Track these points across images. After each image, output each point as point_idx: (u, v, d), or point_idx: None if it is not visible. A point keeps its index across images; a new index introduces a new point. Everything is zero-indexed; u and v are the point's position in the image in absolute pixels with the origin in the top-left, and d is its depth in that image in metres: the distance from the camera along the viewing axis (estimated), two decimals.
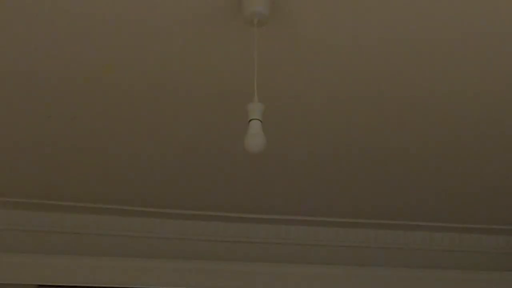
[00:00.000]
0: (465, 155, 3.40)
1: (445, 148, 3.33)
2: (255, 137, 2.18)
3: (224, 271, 4.09)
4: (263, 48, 2.52)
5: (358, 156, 3.40)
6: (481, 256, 4.41)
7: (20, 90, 2.83)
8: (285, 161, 3.43)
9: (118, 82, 2.78)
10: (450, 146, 3.32)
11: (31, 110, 2.97)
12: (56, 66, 2.68)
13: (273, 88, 2.82)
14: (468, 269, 4.35)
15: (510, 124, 3.13)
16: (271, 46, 2.56)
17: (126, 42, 2.54)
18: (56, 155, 3.33)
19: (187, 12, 2.39)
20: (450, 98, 2.92)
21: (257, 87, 2.29)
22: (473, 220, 4.20)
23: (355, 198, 3.86)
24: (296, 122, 3.10)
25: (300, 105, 2.97)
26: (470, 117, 3.07)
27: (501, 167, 3.52)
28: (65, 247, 3.98)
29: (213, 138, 3.22)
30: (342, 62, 2.67)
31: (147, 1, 2.34)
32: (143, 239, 4.09)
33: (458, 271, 4.31)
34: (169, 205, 3.93)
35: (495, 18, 2.43)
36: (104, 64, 2.67)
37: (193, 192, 3.77)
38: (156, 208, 3.95)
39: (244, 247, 4.18)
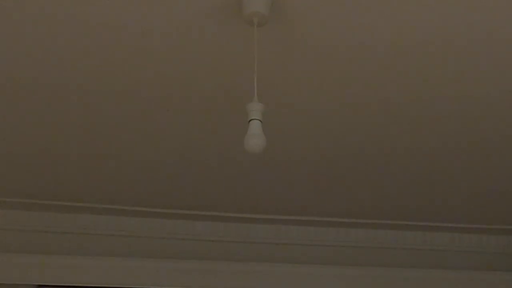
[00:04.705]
0: (465, 155, 3.40)
1: (445, 148, 3.33)
2: (255, 137, 2.18)
3: (224, 271, 4.09)
4: (263, 48, 2.52)
5: (358, 156, 3.40)
6: (481, 256, 4.41)
7: (20, 92, 2.83)
8: (285, 161, 3.43)
9: (117, 82, 2.78)
10: (450, 147, 3.32)
11: (31, 111, 2.97)
12: (56, 68, 2.68)
13: (273, 88, 2.82)
14: (468, 269, 4.35)
15: (510, 124, 3.13)
16: (271, 46, 2.56)
17: (125, 43, 2.54)
18: (56, 155, 3.33)
19: (187, 12, 2.39)
20: (451, 99, 2.92)
21: (257, 87, 2.29)
22: (473, 220, 4.20)
23: (355, 198, 3.86)
24: (296, 122, 3.10)
25: (300, 105, 2.97)
26: (470, 118, 3.07)
27: (501, 167, 3.53)
28: (65, 247, 3.98)
29: (213, 138, 3.22)
30: (342, 62, 2.67)
31: (147, 1, 2.34)
32: (143, 239, 4.09)
33: (458, 271, 4.31)
34: (169, 205, 3.93)
35: (496, 20, 2.43)
36: (104, 64, 2.67)
37: (193, 192, 3.77)
38: (156, 208, 3.95)
39: (244, 247, 4.18)
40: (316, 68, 2.71)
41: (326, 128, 3.15)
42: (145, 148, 3.30)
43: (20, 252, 3.91)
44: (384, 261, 4.31)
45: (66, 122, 3.06)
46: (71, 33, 2.49)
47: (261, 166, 3.48)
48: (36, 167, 3.44)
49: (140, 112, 3.00)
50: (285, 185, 3.69)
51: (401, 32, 2.50)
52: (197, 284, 4.04)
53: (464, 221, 4.21)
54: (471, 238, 4.39)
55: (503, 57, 2.65)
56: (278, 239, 4.22)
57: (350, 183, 3.68)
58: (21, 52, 2.59)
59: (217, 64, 2.67)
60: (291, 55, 2.63)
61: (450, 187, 3.74)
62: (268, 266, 4.14)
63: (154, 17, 2.41)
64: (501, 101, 2.94)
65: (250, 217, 4.08)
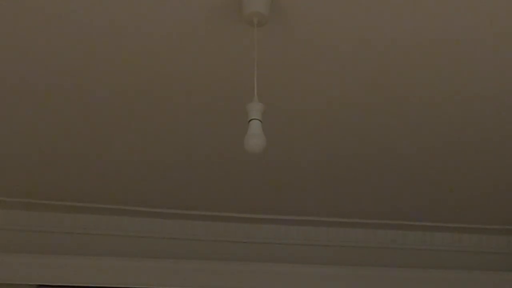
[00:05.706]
0: (465, 155, 3.40)
1: (445, 148, 3.33)
2: (255, 137, 2.18)
3: (224, 271, 4.09)
4: (263, 48, 2.52)
5: (358, 156, 3.39)
6: (481, 256, 4.41)
7: (20, 93, 2.83)
8: (285, 161, 3.43)
9: (117, 82, 2.78)
10: (450, 147, 3.32)
11: (31, 111, 2.97)
12: (56, 68, 2.68)
13: (273, 88, 2.82)
14: (468, 269, 4.34)
15: (510, 124, 3.13)
16: (271, 46, 2.56)
17: (125, 43, 2.54)
18: (56, 155, 3.33)
19: (187, 12, 2.39)
20: (451, 98, 2.92)
21: (257, 87, 2.29)
22: (473, 220, 4.19)
23: (355, 198, 3.86)
24: (296, 122, 3.10)
25: (300, 105, 2.97)
26: (470, 118, 3.07)
27: (501, 167, 3.52)
28: (65, 247, 3.98)
29: (213, 138, 3.22)
30: (342, 62, 2.67)
31: (147, 2, 2.34)
32: (143, 239, 4.09)
33: (458, 271, 4.30)
34: (169, 205, 3.93)
35: (496, 20, 2.43)
36: (104, 64, 2.67)
37: (193, 192, 3.77)
38: (156, 208, 3.95)
39: (244, 247, 4.18)
40: (316, 68, 2.71)
41: (326, 128, 3.15)
42: (145, 148, 3.29)
43: (20, 252, 3.91)
44: (384, 261, 4.31)
45: (66, 122, 3.06)
46: (71, 34, 2.49)
47: (261, 166, 3.48)
48: (36, 167, 3.44)
49: (140, 112, 3.00)
50: (285, 185, 3.69)
51: (401, 31, 2.50)
52: (197, 284, 4.04)
53: (464, 221, 4.21)
54: (471, 238, 4.39)
55: (503, 57, 2.65)
56: (278, 239, 4.22)
57: (350, 183, 3.68)
58: (22, 53, 2.59)
59: (217, 64, 2.67)
60: (291, 55, 2.63)
61: (450, 187, 3.74)
62: (268, 266, 4.13)
63: (154, 18, 2.41)
64: (501, 101, 2.94)
65: (250, 217, 4.07)
